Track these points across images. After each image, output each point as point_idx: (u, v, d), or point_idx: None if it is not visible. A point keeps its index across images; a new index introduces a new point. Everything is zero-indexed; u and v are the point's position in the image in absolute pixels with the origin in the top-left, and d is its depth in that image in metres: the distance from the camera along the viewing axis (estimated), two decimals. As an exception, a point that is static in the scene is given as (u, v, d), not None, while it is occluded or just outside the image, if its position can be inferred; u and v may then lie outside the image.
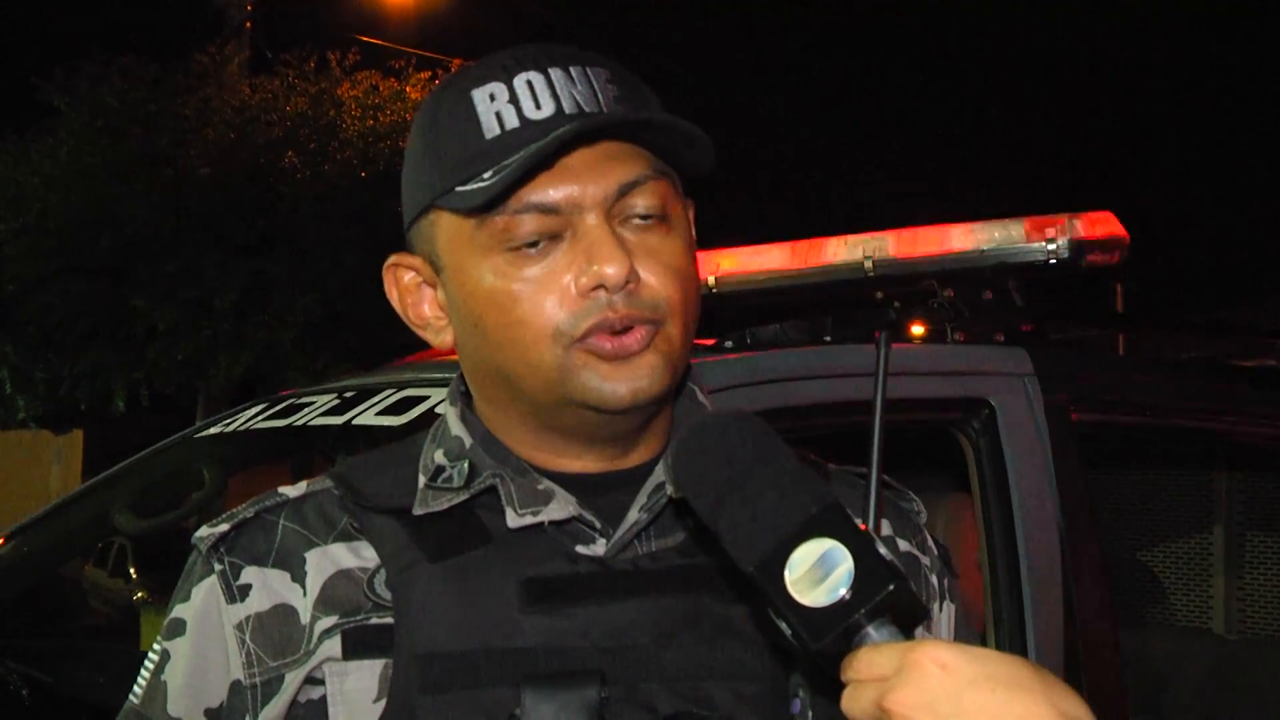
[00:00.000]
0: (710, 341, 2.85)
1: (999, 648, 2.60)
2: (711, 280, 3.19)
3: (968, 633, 1.47)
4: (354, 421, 2.62)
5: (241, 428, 3.03)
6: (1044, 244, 2.93)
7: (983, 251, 2.96)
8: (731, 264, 3.25)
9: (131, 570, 14.21)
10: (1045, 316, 3.24)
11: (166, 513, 3.35)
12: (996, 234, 2.98)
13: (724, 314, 3.17)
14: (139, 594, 12.89)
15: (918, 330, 3.04)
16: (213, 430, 3.15)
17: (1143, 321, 4.67)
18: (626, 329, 1.24)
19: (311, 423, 2.77)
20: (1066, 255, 2.93)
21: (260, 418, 3.00)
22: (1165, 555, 3.65)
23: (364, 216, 12.16)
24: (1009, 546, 2.67)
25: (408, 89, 13.62)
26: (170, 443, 3.33)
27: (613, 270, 1.22)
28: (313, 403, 2.89)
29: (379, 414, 2.59)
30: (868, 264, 3.02)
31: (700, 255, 3.31)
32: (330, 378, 5.22)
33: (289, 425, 2.85)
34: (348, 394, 2.81)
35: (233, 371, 11.98)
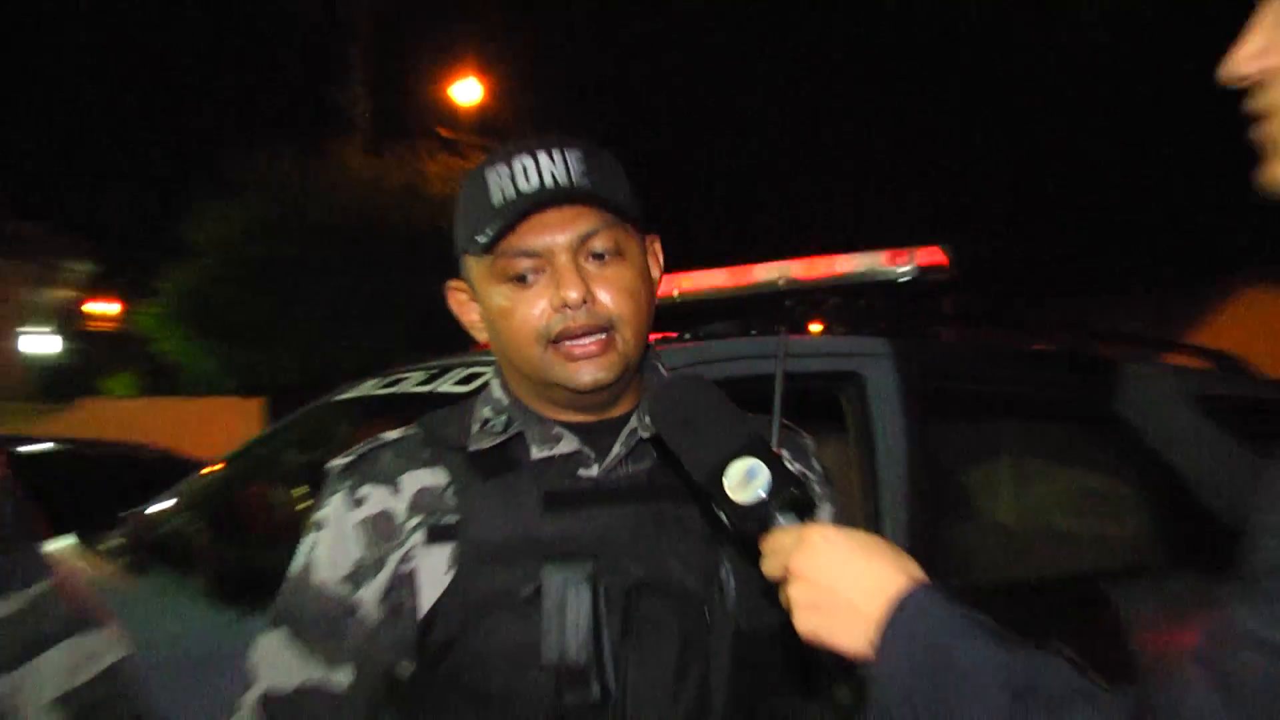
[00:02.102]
0: (674, 335, 2.86)
1: None
2: (676, 293, 3.19)
3: (840, 524, 1.48)
4: (436, 390, 2.63)
5: (364, 394, 3.04)
6: (898, 268, 2.94)
7: (858, 273, 2.97)
8: (689, 283, 3.25)
9: (292, 490, 14.21)
10: (896, 317, 3.25)
11: (316, 450, 3.36)
12: (867, 261, 2.99)
13: (683, 316, 3.17)
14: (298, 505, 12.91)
15: (816, 328, 3.05)
16: (345, 395, 3.16)
17: (962, 320, 4.67)
18: (586, 334, 1.24)
19: (408, 391, 2.77)
20: (912, 276, 2.94)
21: (376, 387, 3.01)
22: (974, 475, 3.65)
23: (441, 255, 11.98)
24: (872, 474, 2.68)
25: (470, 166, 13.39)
26: (319, 404, 3.34)
27: (573, 295, 1.22)
28: (409, 377, 2.89)
29: (454, 385, 2.60)
30: (780, 282, 3.02)
31: (668, 277, 3.33)
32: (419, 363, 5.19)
33: (393, 393, 2.85)
34: (432, 371, 2.82)
35: (356, 360, 11.87)
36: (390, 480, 1.30)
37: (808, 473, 1.43)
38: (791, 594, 0.97)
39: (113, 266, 14.76)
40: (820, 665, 0.97)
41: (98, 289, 16.54)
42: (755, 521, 1.03)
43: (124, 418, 11.46)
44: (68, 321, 16.05)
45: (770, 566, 1.01)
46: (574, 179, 1.22)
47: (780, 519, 1.03)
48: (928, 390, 2.85)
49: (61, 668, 1.42)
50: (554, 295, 1.23)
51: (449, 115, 14.76)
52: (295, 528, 1.35)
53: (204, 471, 3.48)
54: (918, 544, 2.64)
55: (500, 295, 1.25)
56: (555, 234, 1.22)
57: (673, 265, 3.06)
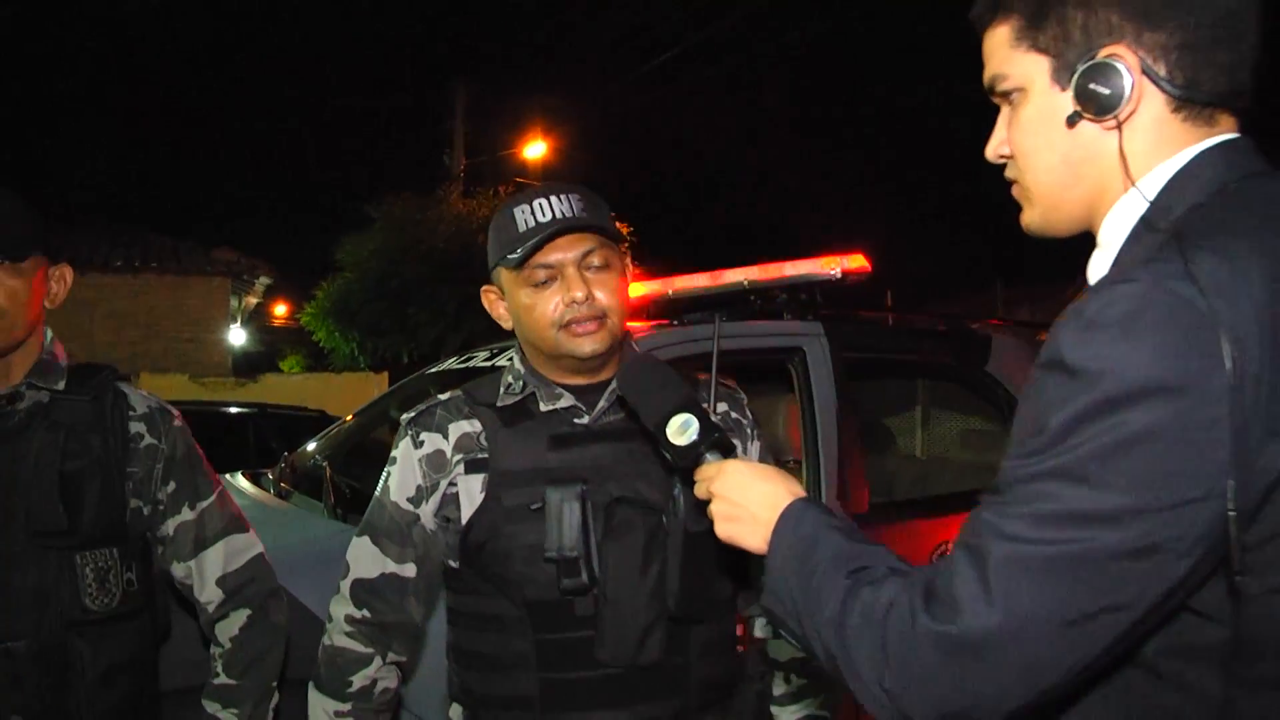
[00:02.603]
0: (666, 321, 2.84)
1: (807, 475, 2.61)
2: (670, 291, 3.13)
3: (767, 456, 1.46)
4: (495, 365, 2.62)
5: (446, 368, 3.03)
6: (830, 271, 2.88)
7: (800, 275, 2.91)
8: (680, 283, 3.20)
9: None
10: (833, 306, 3.19)
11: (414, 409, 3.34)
12: (807, 266, 2.93)
13: (675, 308, 3.13)
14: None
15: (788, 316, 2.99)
16: (434, 369, 3.16)
17: (889, 309, 4.55)
18: (587, 320, 1.24)
19: (476, 365, 2.77)
20: (840, 277, 2.88)
21: (455, 363, 3.01)
22: (894, 422, 3.63)
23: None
24: (812, 423, 2.65)
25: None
26: (416, 376, 3.34)
27: (579, 295, 1.23)
28: (477, 355, 2.89)
29: (507, 361, 2.59)
30: (745, 282, 2.97)
31: (664, 279, 3.22)
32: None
33: (466, 367, 2.85)
34: (494, 351, 2.82)
35: (453, 344, 11.93)
36: (441, 429, 1.31)
37: (741, 419, 1.41)
38: (713, 509, 0.97)
39: (285, 279, 14.88)
40: (745, 556, 0.96)
41: (275, 296, 16.69)
42: (690, 458, 1.03)
43: (293, 388, 11.58)
44: (254, 319, 16.22)
45: (699, 490, 1.01)
46: (576, 213, 1.23)
47: (708, 456, 1.02)
48: (850, 358, 2.80)
49: (221, 557, 1.47)
50: (565, 295, 1.24)
51: (521, 167, 14.69)
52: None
53: (340, 423, 3.49)
54: (844, 471, 2.62)
55: (526, 295, 1.26)
56: (565, 252, 1.24)
57: (671, 269, 3.02)
